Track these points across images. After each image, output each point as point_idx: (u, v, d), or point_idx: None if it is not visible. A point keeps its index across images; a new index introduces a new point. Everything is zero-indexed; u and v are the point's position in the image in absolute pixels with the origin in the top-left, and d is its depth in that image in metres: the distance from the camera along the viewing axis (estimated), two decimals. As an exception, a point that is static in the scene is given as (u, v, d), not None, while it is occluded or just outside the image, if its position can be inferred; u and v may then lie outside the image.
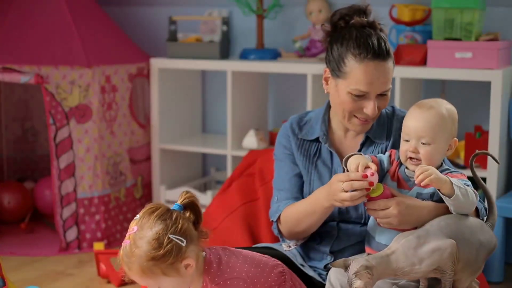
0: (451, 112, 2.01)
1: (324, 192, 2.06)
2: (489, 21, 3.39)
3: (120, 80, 3.70)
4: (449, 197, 1.88)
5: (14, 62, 3.46)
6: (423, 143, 1.97)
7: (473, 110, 3.52)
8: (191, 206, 1.89)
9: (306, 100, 3.56)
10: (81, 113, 3.52)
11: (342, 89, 2.10)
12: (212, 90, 4.16)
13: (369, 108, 2.09)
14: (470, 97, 3.53)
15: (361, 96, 2.09)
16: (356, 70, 2.06)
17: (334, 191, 1.99)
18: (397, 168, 2.04)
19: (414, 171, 2.00)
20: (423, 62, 3.31)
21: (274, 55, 3.74)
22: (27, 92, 4.29)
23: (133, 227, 1.83)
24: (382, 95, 2.11)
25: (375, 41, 2.06)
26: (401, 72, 3.27)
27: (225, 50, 3.81)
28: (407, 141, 2.00)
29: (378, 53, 2.06)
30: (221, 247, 1.97)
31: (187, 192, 1.92)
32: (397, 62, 3.35)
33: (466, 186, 1.92)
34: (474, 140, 3.23)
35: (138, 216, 1.85)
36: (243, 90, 3.74)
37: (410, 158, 1.99)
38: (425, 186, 1.93)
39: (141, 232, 1.80)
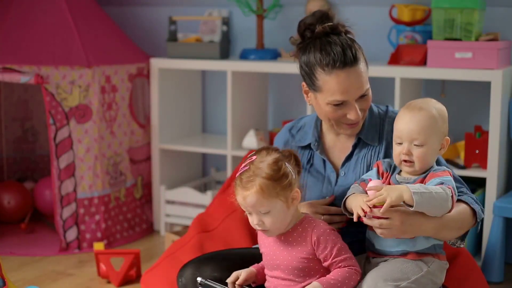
0: (441, 112, 2.01)
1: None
2: (489, 21, 3.39)
3: (120, 80, 3.70)
4: (411, 206, 1.87)
5: (14, 62, 3.46)
6: (416, 145, 1.97)
7: (473, 110, 3.52)
8: (294, 156, 2.04)
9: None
10: (81, 113, 3.52)
11: (321, 101, 2.12)
12: (212, 90, 4.16)
13: (352, 114, 2.10)
14: (470, 97, 3.53)
15: (341, 105, 2.09)
16: (328, 83, 2.07)
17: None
18: (389, 176, 2.05)
19: (407, 175, 2.00)
20: (423, 62, 3.31)
21: (274, 55, 3.74)
22: (27, 92, 4.30)
23: (251, 158, 2.00)
24: (362, 96, 2.11)
25: (339, 49, 2.05)
26: (401, 72, 3.27)
27: (225, 50, 3.81)
28: (399, 144, 2.00)
29: (344, 61, 2.05)
30: None
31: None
32: (397, 62, 3.36)
33: (432, 188, 1.89)
34: (474, 140, 3.23)
35: (252, 153, 2.04)
36: (243, 90, 3.74)
37: (404, 160, 1.99)
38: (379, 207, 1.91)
39: (261, 158, 1.98)
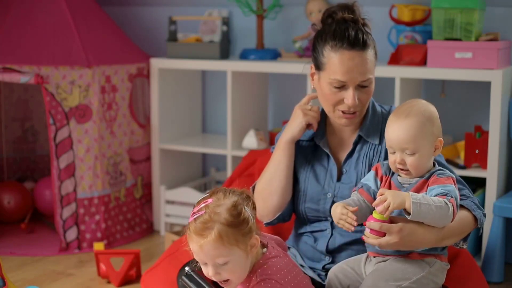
0: (429, 114, 1.98)
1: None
2: (489, 21, 3.39)
3: (120, 80, 3.70)
4: (409, 214, 1.87)
5: (14, 62, 3.46)
6: (408, 154, 1.95)
7: (473, 110, 3.52)
8: (251, 199, 1.89)
9: (306, 100, 3.56)
10: (81, 113, 3.52)
11: (323, 81, 2.14)
12: (212, 90, 4.16)
13: (349, 98, 2.10)
14: (470, 97, 3.53)
15: (340, 88, 2.11)
16: (333, 60, 2.09)
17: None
18: (389, 179, 2.04)
19: (407, 178, 2.00)
20: (423, 62, 3.31)
21: (274, 55, 3.74)
22: (27, 92, 4.29)
23: (206, 200, 1.83)
24: (362, 86, 2.12)
25: (352, 32, 2.09)
26: (401, 72, 3.27)
27: (225, 50, 3.81)
28: (393, 153, 1.98)
29: (354, 43, 2.08)
30: (275, 241, 2.00)
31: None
32: (397, 62, 3.36)
33: (434, 200, 1.88)
34: (474, 140, 3.23)
35: (206, 194, 1.87)
36: (243, 90, 3.74)
37: (400, 169, 1.98)
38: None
39: (218, 201, 1.80)
